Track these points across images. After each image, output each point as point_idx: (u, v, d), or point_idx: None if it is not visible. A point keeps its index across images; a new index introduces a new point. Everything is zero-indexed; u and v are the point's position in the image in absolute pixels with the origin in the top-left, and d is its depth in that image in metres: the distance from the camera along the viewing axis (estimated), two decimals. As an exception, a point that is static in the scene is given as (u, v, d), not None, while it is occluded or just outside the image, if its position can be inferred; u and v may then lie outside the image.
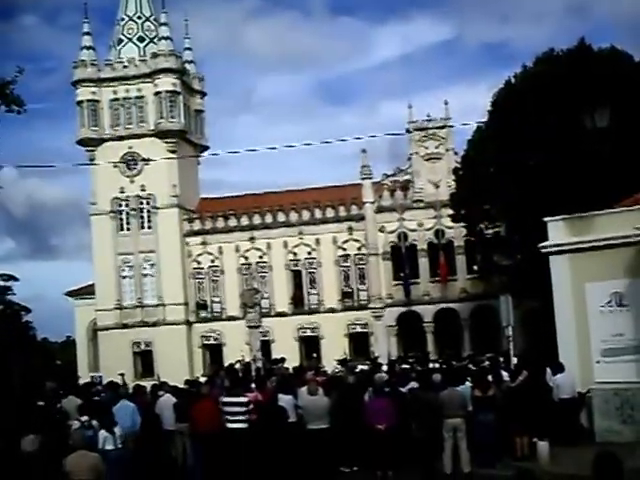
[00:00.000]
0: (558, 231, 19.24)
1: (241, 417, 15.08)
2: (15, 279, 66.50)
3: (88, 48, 56.91)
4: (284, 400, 15.80)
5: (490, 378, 16.99)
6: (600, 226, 18.56)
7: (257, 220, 54.60)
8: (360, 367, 24.97)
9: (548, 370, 17.99)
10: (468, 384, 16.69)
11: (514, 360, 20.65)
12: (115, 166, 54.31)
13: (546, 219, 19.71)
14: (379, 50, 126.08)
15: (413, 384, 17.16)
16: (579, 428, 17.60)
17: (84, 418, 13.89)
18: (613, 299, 17.88)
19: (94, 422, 13.68)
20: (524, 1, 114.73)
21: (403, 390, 16.87)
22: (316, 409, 15.36)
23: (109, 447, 13.12)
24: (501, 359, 22.64)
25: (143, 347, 54.68)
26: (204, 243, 55.08)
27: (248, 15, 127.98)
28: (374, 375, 19.03)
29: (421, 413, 15.51)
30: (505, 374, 18.03)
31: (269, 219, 54.50)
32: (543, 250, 19.37)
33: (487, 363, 21.59)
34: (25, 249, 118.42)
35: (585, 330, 18.13)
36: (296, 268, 54.13)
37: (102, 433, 13.36)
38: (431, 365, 24.71)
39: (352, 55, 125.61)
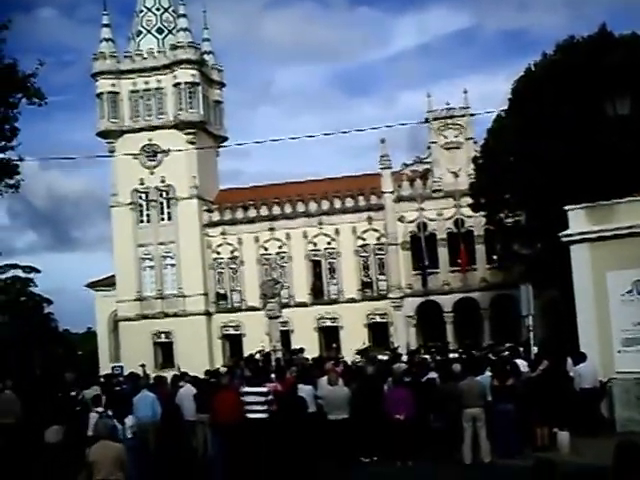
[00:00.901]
0: (579, 220, 19.12)
1: (261, 407, 15.12)
2: (37, 271, 67.29)
3: (107, 40, 57.07)
4: (304, 390, 15.83)
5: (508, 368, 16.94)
6: (621, 215, 18.44)
7: (276, 210, 54.64)
8: (380, 357, 24.97)
9: (569, 360, 17.90)
10: (488, 374, 16.65)
11: (534, 350, 20.57)
12: (135, 158, 54.52)
13: (567, 208, 19.58)
14: (397, 40, 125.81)
15: (433, 374, 17.14)
16: (600, 418, 17.52)
17: (100, 409, 14.00)
18: (634, 288, 17.76)
19: (109, 412, 13.79)
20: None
21: (422, 380, 16.85)
22: (336, 399, 15.40)
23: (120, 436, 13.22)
24: (521, 349, 22.56)
25: (163, 338, 54.94)
26: (224, 234, 55.20)
27: (266, 6, 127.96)
28: (393, 365, 19.02)
29: (441, 403, 15.51)
30: (524, 364, 17.95)
31: (288, 209, 54.53)
32: (564, 239, 19.25)
33: (507, 353, 21.52)
34: (46, 241, 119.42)
35: (606, 319, 18.02)
36: (316, 258, 54.16)
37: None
38: (451, 355, 24.66)
39: (370, 45, 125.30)
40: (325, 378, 16.27)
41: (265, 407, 15.15)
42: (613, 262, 18.08)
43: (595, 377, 17.49)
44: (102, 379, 23.20)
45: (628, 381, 17.36)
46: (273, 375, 18.32)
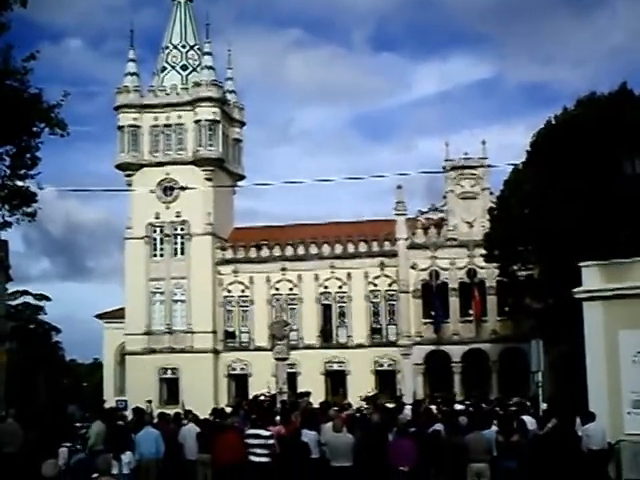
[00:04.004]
0: (593, 277, 19.00)
1: (263, 450, 14.95)
2: (47, 299, 67.37)
3: (132, 74, 57.75)
4: (308, 436, 15.65)
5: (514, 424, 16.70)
6: (636, 273, 18.30)
7: (289, 251, 54.64)
8: (388, 405, 24.68)
9: (577, 419, 17.62)
10: (494, 428, 16.42)
11: (543, 406, 20.31)
12: (152, 191, 54.80)
13: (581, 264, 19.47)
14: (418, 87, 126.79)
15: (438, 425, 16.92)
16: (607, 480, 17.21)
17: (69, 444, 13.84)
18: (646, 349, 17.55)
19: (78, 446, 13.67)
20: (566, 43, 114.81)
21: (428, 431, 16.63)
22: (340, 446, 15.19)
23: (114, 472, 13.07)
24: (528, 404, 22.27)
25: (170, 374, 54.69)
26: (235, 272, 55.19)
27: (290, 47, 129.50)
28: (398, 415, 18.80)
29: (446, 456, 15.29)
30: (532, 420, 17.69)
31: (301, 251, 54.52)
32: (576, 296, 19.12)
33: (514, 408, 21.23)
34: (59, 269, 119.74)
35: (616, 380, 17.79)
36: (326, 302, 54.00)
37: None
38: (458, 406, 24.38)
39: (391, 90, 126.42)
40: (330, 424, 16.09)
41: (267, 450, 14.98)
42: (626, 321, 17.90)
43: (604, 438, 17.17)
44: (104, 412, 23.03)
45: (637, 444, 17.07)
46: (278, 418, 18.14)
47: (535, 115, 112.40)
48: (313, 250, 54.34)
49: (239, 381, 54.00)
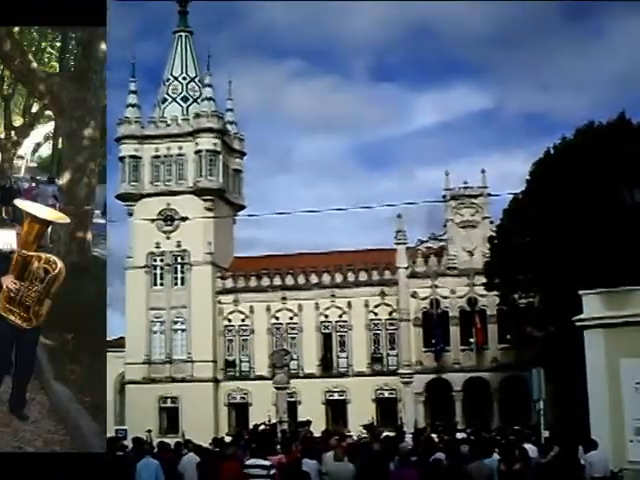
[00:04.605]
0: (593, 305, 19.04)
1: (263, 480, 14.85)
2: (47, 329, 67.29)
3: (133, 106, 58.17)
4: (309, 465, 15.55)
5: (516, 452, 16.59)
6: (637, 301, 18.32)
7: (289, 281, 54.64)
8: (386, 434, 24.57)
9: (580, 447, 17.53)
10: (496, 457, 16.33)
11: (545, 434, 20.21)
12: (152, 221, 54.95)
13: (581, 292, 19.50)
14: (418, 116, 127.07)
15: (440, 454, 16.82)
16: (610, 509, 17.08)
17: None
18: (648, 377, 17.54)
19: None
20: (566, 72, 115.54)
21: (429, 460, 16.53)
22: (341, 475, 15.10)
23: None
24: (529, 432, 22.17)
25: (169, 403, 54.48)
26: (236, 301, 55.17)
27: (290, 77, 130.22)
28: (400, 443, 18.70)
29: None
30: (534, 448, 17.60)
31: (301, 280, 54.53)
32: (577, 323, 19.14)
33: (513, 437, 21.12)
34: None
35: (619, 407, 17.77)
36: (326, 331, 53.93)
37: None
38: (459, 435, 24.26)
39: (391, 120, 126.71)
40: (331, 453, 16.00)
41: (266, 480, 14.87)
42: (628, 349, 17.92)
43: (606, 466, 17.07)
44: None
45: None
46: (279, 447, 18.06)
47: (535, 143, 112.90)
48: (313, 279, 54.36)
49: (239, 410, 53.75)
